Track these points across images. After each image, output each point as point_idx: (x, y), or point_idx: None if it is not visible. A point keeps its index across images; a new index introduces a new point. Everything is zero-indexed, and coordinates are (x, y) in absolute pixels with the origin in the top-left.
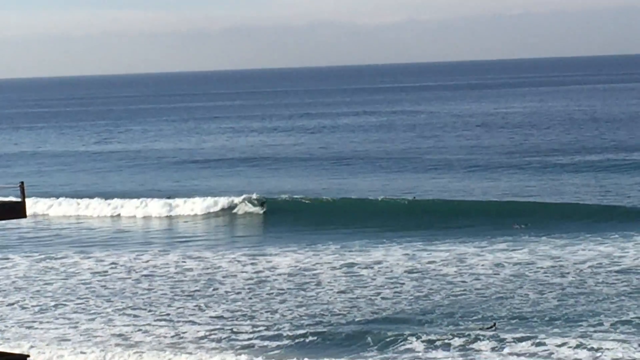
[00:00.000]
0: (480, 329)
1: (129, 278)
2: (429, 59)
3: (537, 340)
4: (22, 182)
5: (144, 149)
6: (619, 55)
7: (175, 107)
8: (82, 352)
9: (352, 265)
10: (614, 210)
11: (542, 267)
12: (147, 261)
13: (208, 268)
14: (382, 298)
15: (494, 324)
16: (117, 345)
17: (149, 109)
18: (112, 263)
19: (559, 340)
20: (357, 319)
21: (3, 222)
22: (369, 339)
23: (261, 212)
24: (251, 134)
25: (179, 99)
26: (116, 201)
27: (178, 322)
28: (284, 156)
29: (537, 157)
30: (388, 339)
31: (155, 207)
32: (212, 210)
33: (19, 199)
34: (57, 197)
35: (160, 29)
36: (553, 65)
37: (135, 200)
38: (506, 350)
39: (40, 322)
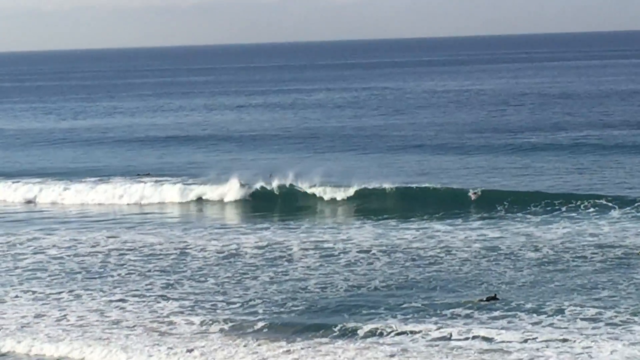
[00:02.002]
0: (480, 300)
1: None
2: (403, 34)
3: (511, 316)
4: None
5: (118, 125)
6: (598, 32)
7: (148, 82)
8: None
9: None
10: (589, 188)
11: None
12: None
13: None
14: (355, 274)
15: (495, 295)
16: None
17: (121, 84)
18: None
19: (534, 319)
20: (331, 296)
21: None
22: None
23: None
24: (226, 110)
25: (151, 74)
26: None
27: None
28: (259, 133)
29: (509, 136)
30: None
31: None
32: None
33: None
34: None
35: (132, 4)
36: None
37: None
38: (479, 326)
39: None
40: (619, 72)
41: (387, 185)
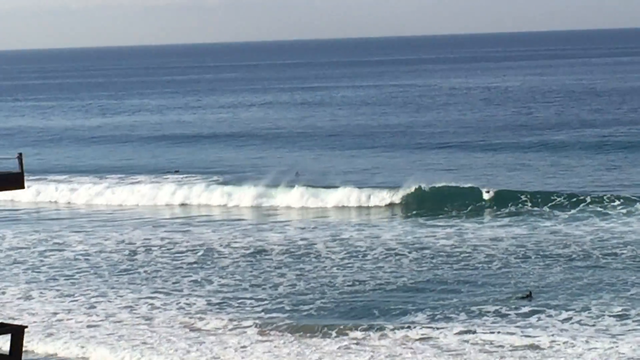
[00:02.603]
0: (516, 298)
1: None
2: (430, 31)
3: (544, 314)
4: (21, 154)
5: (146, 122)
6: (626, 29)
7: (175, 79)
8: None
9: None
10: (617, 185)
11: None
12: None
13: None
14: (384, 272)
15: (530, 293)
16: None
17: (148, 82)
18: None
19: (564, 315)
20: (360, 292)
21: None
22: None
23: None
24: (252, 107)
25: (178, 71)
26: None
27: None
28: (286, 130)
29: (537, 133)
30: (393, 312)
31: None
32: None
33: (18, 171)
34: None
35: (159, 2)
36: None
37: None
38: (509, 324)
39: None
40: None
41: (422, 185)
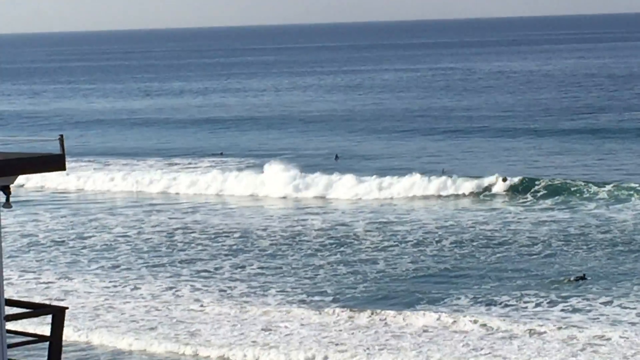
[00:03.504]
0: (569, 280)
1: None
2: (471, 14)
3: (584, 298)
4: (62, 135)
5: (187, 105)
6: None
7: (217, 62)
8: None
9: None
10: None
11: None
12: None
13: None
14: (425, 255)
15: (584, 275)
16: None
17: (187, 64)
18: None
19: (604, 299)
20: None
21: None
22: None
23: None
24: (294, 91)
25: (219, 54)
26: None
27: None
28: (326, 114)
29: (579, 118)
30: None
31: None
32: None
33: (59, 152)
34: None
35: None
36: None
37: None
38: (554, 308)
39: None
40: None
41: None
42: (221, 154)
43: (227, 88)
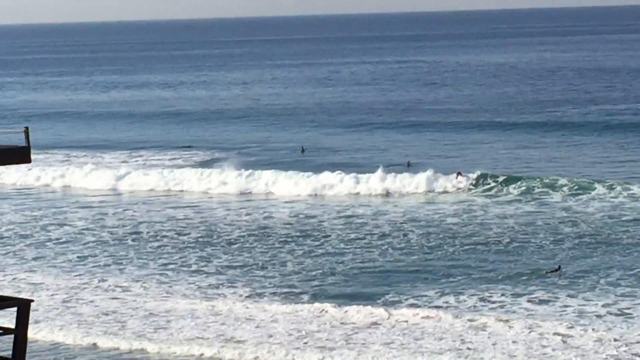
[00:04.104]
0: (545, 272)
1: None
2: (437, 7)
3: (551, 291)
4: (27, 127)
5: (153, 98)
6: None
7: (183, 55)
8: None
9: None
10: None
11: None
12: None
13: None
14: (392, 248)
15: (559, 267)
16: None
17: (156, 57)
18: None
19: (572, 291)
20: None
21: None
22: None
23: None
24: (260, 83)
25: (184, 46)
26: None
27: None
28: (294, 107)
29: (542, 112)
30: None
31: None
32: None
33: (25, 144)
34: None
35: None
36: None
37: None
38: (518, 301)
39: None
40: None
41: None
42: (189, 146)
43: (194, 81)
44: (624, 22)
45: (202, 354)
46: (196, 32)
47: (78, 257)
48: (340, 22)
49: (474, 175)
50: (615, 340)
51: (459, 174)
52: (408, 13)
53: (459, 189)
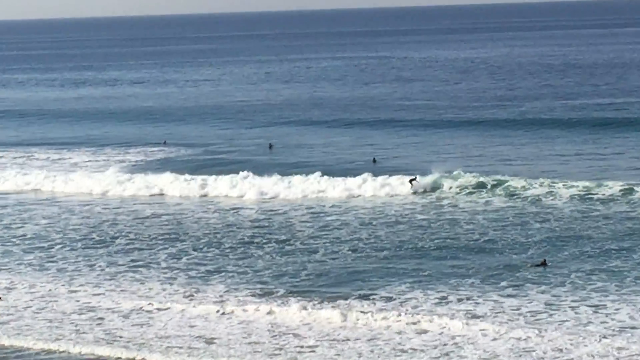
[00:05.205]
0: (530, 266)
1: None
2: (407, 3)
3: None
4: None
5: (122, 95)
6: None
7: (152, 51)
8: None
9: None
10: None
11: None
12: None
13: None
14: (362, 243)
15: (544, 260)
16: None
17: (122, 53)
18: None
19: (543, 286)
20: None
21: None
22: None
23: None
24: (224, 80)
25: (155, 42)
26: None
27: None
28: (261, 103)
29: (508, 108)
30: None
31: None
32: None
33: None
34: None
35: None
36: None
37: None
38: (490, 294)
39: None
40: (624, 42)
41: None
42: (164, 142)
43: (163, 78)
44: (593, 17)
45: None
46: (164, 29)
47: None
48: (308, 18)
49: (429, 181)
50: (589, 335)
51: (413, 179)
52: (378, 8)
53: (413, 193)
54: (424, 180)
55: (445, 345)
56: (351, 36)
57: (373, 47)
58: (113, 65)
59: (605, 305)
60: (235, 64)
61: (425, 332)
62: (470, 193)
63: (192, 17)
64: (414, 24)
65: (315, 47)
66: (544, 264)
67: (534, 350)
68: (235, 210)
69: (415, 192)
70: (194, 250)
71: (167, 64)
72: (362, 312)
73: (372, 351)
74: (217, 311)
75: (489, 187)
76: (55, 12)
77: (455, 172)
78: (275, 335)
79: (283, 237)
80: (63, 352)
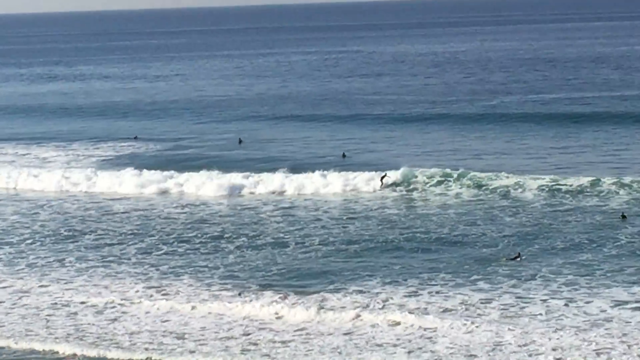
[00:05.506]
0: (505, 259)
1: None
2: None
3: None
4: None
5: (90, 90)
6: None
7: (120, 45)
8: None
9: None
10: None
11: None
12: None
13: None
14: (333, 237)
15: (519, 254)
16: None
17: (92, 48)
18: None
19: (513, 280)
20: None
21: None
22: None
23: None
24: (192, 73)
25: (124, 37)
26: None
27: None
28: (229, 98)
29: (485, 100)
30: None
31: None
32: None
33: None
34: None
35: None
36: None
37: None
38: (461, 289)
39: None
40: (593, 35)
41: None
42: (135, 137)
43: (133, 73)
44: (564, 12)
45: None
46: (134, 24)
47: None
48: (278, 13)
49: (399, 175)
50: (560, 329)
51: (384, 176)
52: (348, 3)
53: (379, 190)
54: (394, 175)
55: (419, 338)
56: (321, 30)
57: (343, 41)
58: (82, 60)
59: (576, 299)
60: (206, 59)
61: (398, 325)
62: (440, 187)
63: (161, 12)
64: (385, 18)
65: (286, 42)
66: (518, 257)
67: (505, 344)
68: (204, 206)
69: (385, 188)
70: (164, 244)
71: (137, 58)
72: (335, 306)
73: (345, 346)
74: (192, 307)
75: (459, 181)
76: (22, 7)
77: (426, 166)
78: (249, 330)
79: (253, 233)
80: (35, 350)
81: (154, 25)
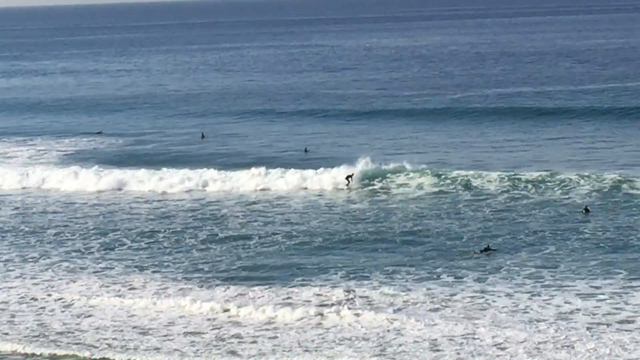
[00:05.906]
0: (475, 252)
1: None
2: None
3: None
4: None
5: (53, 85)
6: None
7: (82, 40)
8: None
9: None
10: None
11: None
12: None
13: None
14: (297, 232)
15: (488, 246)
16: None
17: (53, 43)
18: None
19: (477, 273)
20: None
21: None
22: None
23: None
24: (157, 68)
25: (86, 31)
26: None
27: None
28: (196, 93)
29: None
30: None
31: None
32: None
33: None
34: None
35: None
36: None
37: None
38: (425, 283)
39: None
40: (559, 29)
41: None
42: (99, 132)
43: (95, 67)
44: (525, 5)
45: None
46: (95, 18)
47: None
48: (240, 7)
49: (361, 169)
50: (525, 322)
51: (349, 176)
52: None
53: (344, 189)
54: (357, 169)
55: (385, 331)
56: (283, 25)
57: (305, 36)
58: (44, 55)
59: (541, 292)
60: (169, 53)
61: (363, 320)
62: (404, 181)
63: (122, 6)
64: (346, 12)
65: (247, 36)
66: (488, 249)
67: (470, 338)
68: (166, 202)
69: (350, 189)
70: (128, 240)
71: (99, 53)
72: (300, 301)
73: (313, 341)
74: (154, 303)
75: (422, 175)
76: None
77: (389, 161)
78: (215, 325)
79: (217, 228)
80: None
81: (116, 19)
